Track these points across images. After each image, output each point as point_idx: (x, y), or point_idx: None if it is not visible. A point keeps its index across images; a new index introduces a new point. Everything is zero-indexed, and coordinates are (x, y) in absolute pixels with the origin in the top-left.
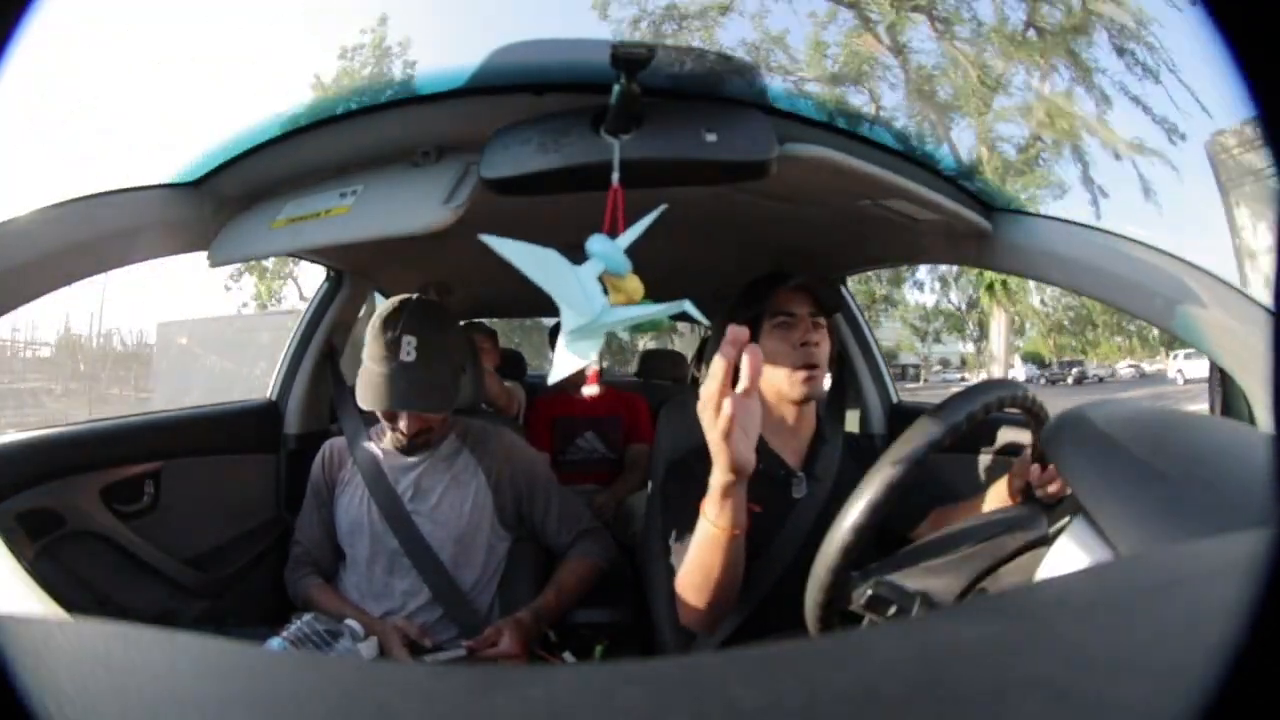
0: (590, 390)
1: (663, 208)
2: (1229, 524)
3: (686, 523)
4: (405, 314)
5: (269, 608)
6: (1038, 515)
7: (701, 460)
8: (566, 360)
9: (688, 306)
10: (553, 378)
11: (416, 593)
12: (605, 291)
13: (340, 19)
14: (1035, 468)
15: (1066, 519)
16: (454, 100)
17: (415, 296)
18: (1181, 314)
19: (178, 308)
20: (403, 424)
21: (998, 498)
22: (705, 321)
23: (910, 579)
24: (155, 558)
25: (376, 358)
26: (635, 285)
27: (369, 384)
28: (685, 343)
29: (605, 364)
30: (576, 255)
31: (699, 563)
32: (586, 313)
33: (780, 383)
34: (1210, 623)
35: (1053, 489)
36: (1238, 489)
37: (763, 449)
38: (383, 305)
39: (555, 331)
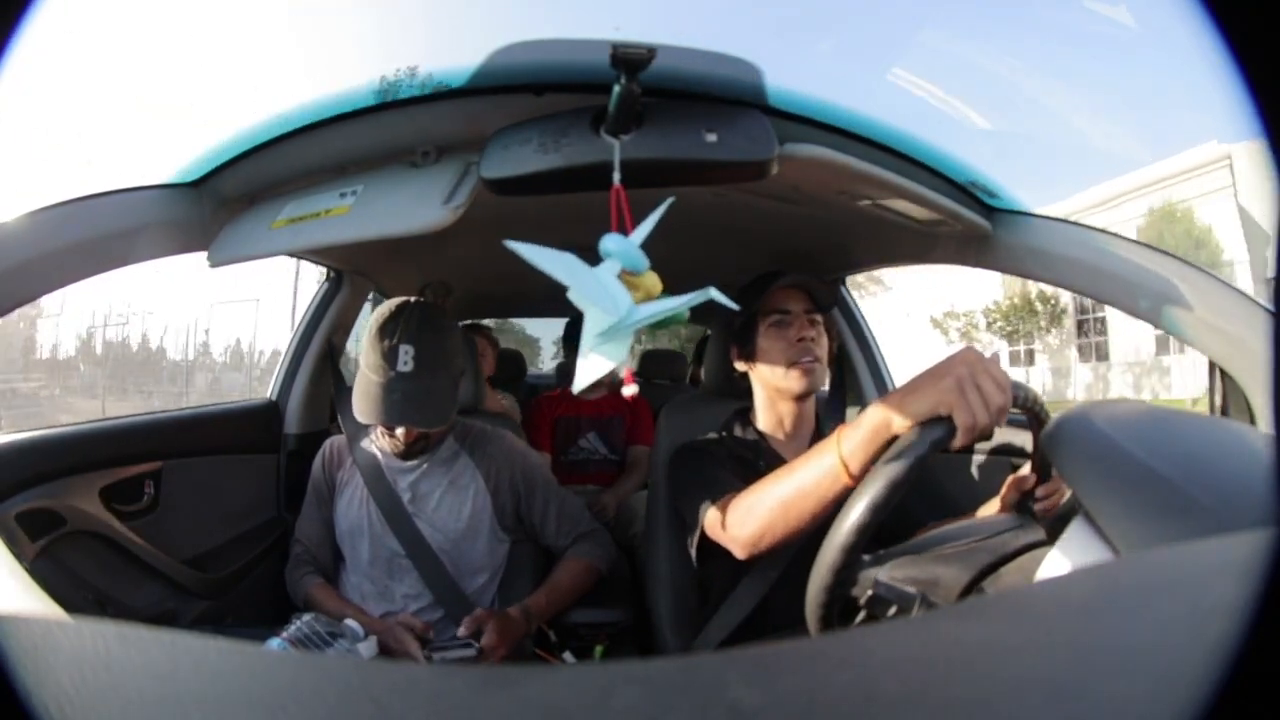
0: (630, 390)
1: (671, 200)
2: (1229, 524)
3: (709, 489)
4: (403, 321)
5: (269, 608)
6: (1035, 526)
7: (719, 442)
8: (594, 364)
9: (713, 293)
10: (578, 385)
11: (417, 595)
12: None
13: (340, 18)
14: (1033, 479)
15: (1067, 523)
16: (454, 100)
17: (413, 301)
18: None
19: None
20: (399, 432)
21: (994, 510)
22: (734, 306)
23: (920, 565)
24: (155, 558)
25: (373, 367)
26: (654, 281)
27: (365, 395)
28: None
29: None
30: (582, 256)
31: (797, 482)
32: (613, 313)
33: (778, 379)
34: (1210, 623)
35: (1050, 503)
36: (1238, 489)
37: (763, 449)
38: (379, 310)
39: (569, 331)
